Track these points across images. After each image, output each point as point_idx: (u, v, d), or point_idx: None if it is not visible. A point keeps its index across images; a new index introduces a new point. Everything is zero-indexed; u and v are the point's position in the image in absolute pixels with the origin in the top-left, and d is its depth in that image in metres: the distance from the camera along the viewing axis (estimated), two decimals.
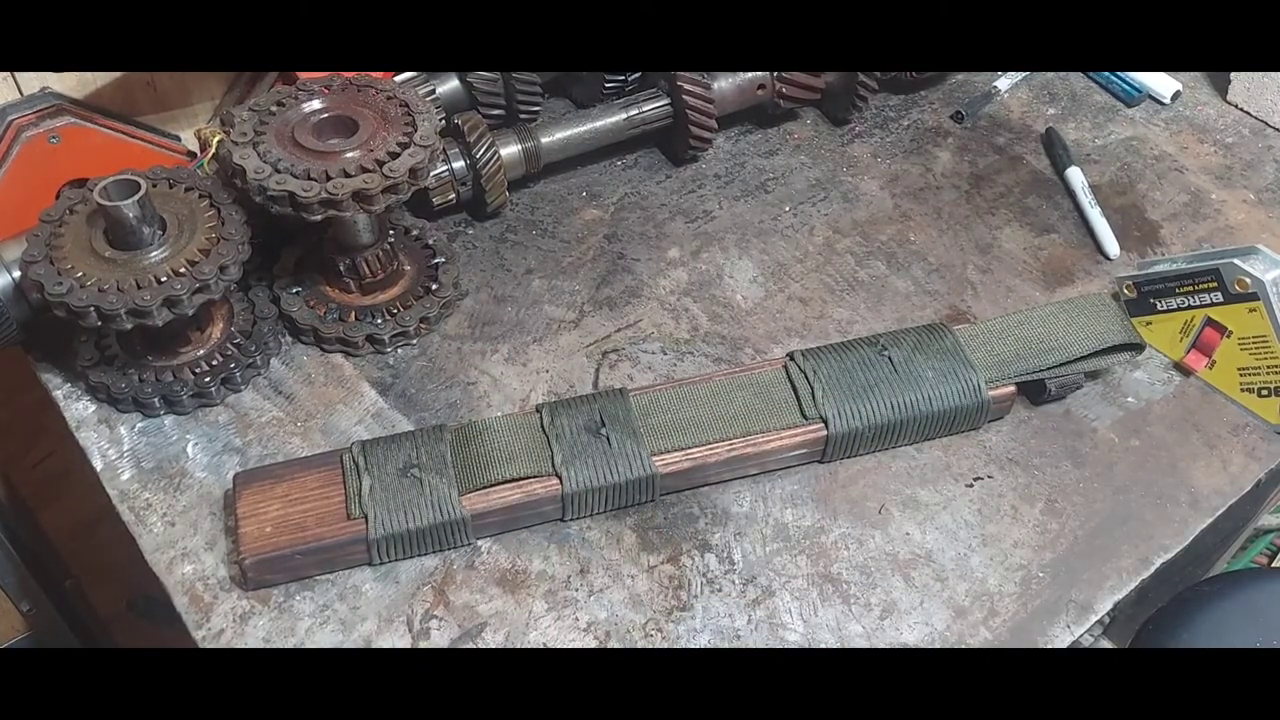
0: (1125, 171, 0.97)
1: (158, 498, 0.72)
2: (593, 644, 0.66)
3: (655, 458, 0.70)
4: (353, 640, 0.65)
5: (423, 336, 0.82)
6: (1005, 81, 1.05)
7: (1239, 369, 0.77)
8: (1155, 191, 0.95)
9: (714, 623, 0.67)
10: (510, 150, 0.88)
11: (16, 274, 0.73)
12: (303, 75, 0.79)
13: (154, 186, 0.74)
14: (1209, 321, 0.77)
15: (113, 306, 0.67)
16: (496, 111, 0.92)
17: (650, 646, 0.66)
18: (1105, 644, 1.40)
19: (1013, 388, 0.75)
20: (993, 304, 0.85)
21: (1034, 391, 0.78)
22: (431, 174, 0.84)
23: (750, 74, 0.94)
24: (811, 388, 0.73)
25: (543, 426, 0.71)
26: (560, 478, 0.68)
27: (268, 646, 0.65)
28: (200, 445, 0.75)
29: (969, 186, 0.95)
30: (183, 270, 0.70)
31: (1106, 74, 1.05)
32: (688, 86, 0.90)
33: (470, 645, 0.65)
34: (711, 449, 0.71)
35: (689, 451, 0.71)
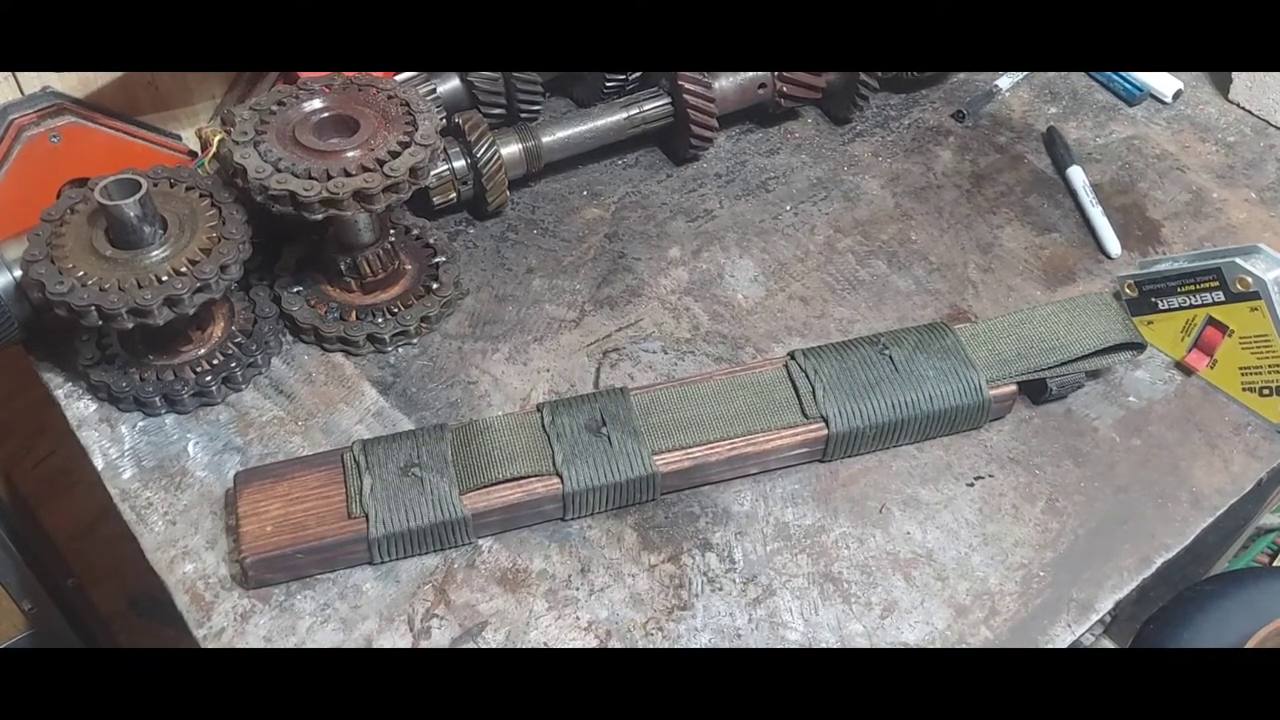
0: (1127, 170, 0.97)
1: (159, 496, 0.72)
2: (593, 643, 0.66)
3: (656, 457, 0.70)
4: (354, 639, 0.65)
5: (423, 336, 0.82)
6: (1006, 80, 1.05)
7: (1240, 368, 0.77)
8: (1157, 190, 0.95)
9: (715, 622, 0.67)
10: (511, 149, 0.88)
11: (18, 273, 0.73)
12: (303, 75, 0.79)
13: (155, 186, 0.74)
14: (1210, 321, 0.77)
15: (114, 305, 0.67)
16: (497, 111, 0.92)
17: (651, 646, 0.66)
18: (1106, 643, 1.40)
19: (1014, 387, 0.75)
20: (994, 303, 0.85)
21: (1035, 391, 0.77)
22: (432, 173, 0.84)
23: (751, 73, 0.94)
24: (812, 387, 0.73)
25: (543, 425, 0.71)
26: (561, 477, 0.68)
27: (269, 646, 0.65)
28: (201, 444, 0.75)
29: (970, 185, 0.95)
30: (184, 269, 0.70)
31: (1108, 73, 1.05)
32: (689, 86, 0.90)
33: (471, 644, 0.65)
34: (712, 448, 0.71)
35: (690, 450, 0.71)
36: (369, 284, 0.81)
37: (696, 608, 0.67)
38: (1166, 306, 0.80)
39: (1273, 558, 1.54)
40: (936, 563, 0.70)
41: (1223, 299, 0.76)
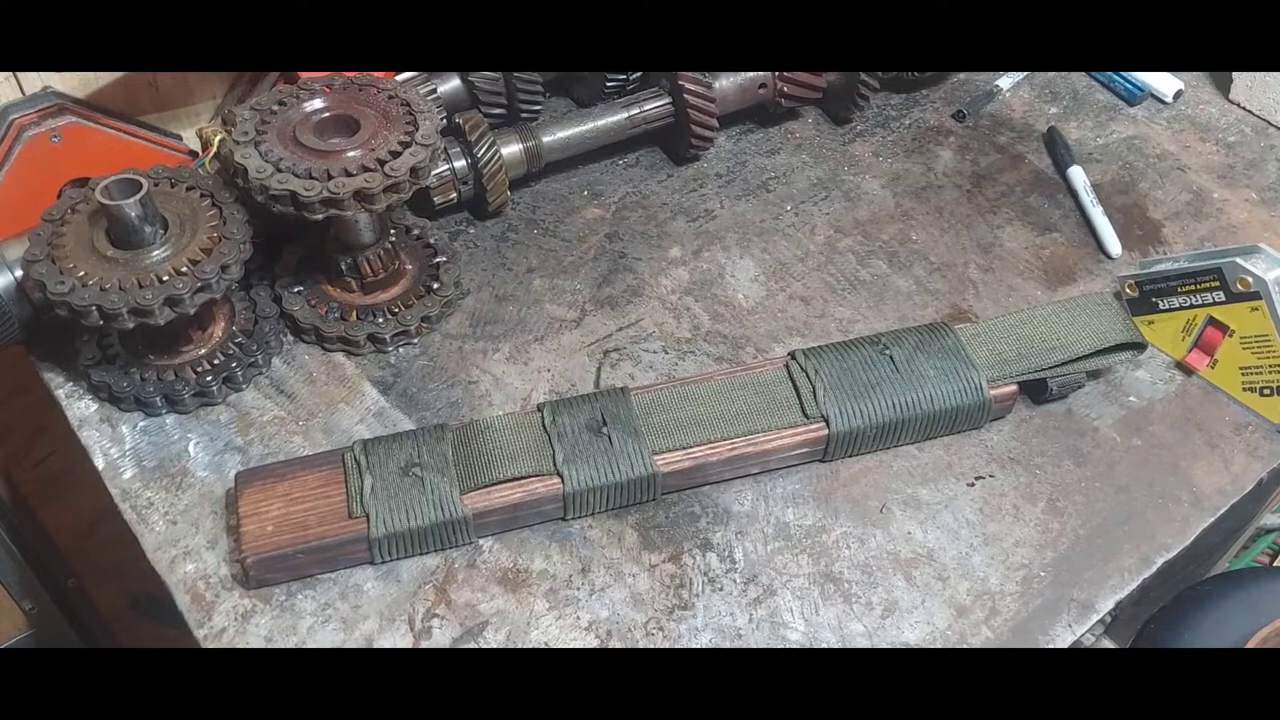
0: (1127, 170, 0.97)
1: (159, 496, 0.72)
2: (594, 643, 0.66)
3: (656, 456, 0.70)
4: (354, 639, 0.65)
5: (424, 335, 0.82)
6: (1007, 80, 1.05)
7: (1241, 368, 0.77)
8: (1157, 190, 0.95)
9: (715, 622, 0.67)
10: (512, 149, 0.88)
11: (19, 273, 0.73)
12: (304, 75, 0.79)
13: (156, 186, 0.74)
14: (1211, 321, 0.77)
15: (115, 305, 0.67)
16: (498, 110, 0.92)
17: (651, 645, 0.66)
18: (1107, 643, 1.40)
19: (1014, 387, 0.75)
20: (994, 303, 0.85)
21: (1036, 391, 0.77)
22: (433, 173, 0.84)
23: (751, 73, 0.94)
24: (813, 387, 0.73)
25: (544, 425, 0.71)
26: (562, 477, 0.68)
27: (269, 645, 0.65)
28: (202, 444, 0.75)
29: (971, 185, 0.95)
30: (184, 269, 0.70)
31: (1108, 73, 1.05)
32: (689, 86, 0.90)
33: (472, 644, 0.65)
34: (713, 448, 0.71)
35: (690, 450, 0.71)
36: (369, 284, 0.81)
37: (697, 607, 0.67)
38: (1167, 306, 0.80)
39: (1273, 558, 1.54)
40: (937, 562, 0.70)
41: (1223, 299, 0.76)
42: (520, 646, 0.65)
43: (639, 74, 0.97)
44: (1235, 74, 1.03)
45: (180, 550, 0.69)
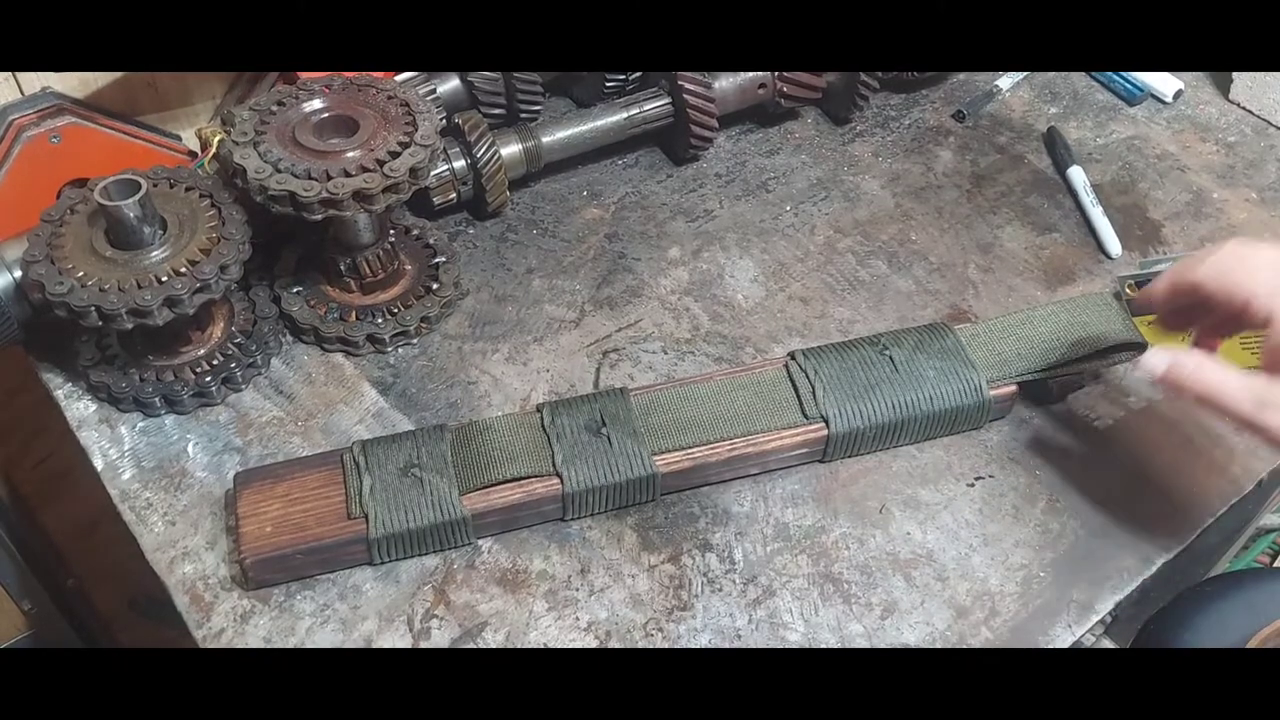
0: (1127, 170, 0.97)
1: (158, 497, 0.72)
2: (593, 644, 0.66)
3: (656, 457, 0.70)
4: (353, 640, 0.65)
5: (423, 336, 0.82)
6: (1007, 80, 1.04)
7: (1241, 369, 0.77)
8: (1157, 190, 0.95)
9: (715, 622, 0.67)
10: (511, 149, 0.88)
11: (17, 273, 0.73)
12: (303, 75, 0.79)
13: (155, 186, 0.74)
14: None
15: (113, 306, 0.67)
16: (497, 111, 0.92)
17: (651, 646, 0.66)
18: (1107, 644, 1.40)
19: (1014, 387, 0.75)
20: (994, 303, 0.85)
21: (1035, 391, 0.77)
22: (432, 173, 0.83)
23: (751, 73, 0.94)
24: (812, 387, 0.73)
25: (543, 426, 0.71)
26: (561, 477, 0.68)
27: (268, 646, 0.65)
28: (201, 445, 0.75)
29: (970, 185, 0.95)
30: (183, 270, 0.70)
31: (1108, 73, 1.05)
32: (689, 86, 0.90)
33: (471, 645, 0.65)
34: (712, 448, 0.71)
35: (690, 451, 0.71)
36: (369, 284, 0.81)
37: (696, 608, 0.67)
38: None
39: (1273, 558, 1.54)
40: (937, 563, 0.70)
41: None
42: (519, 647, 0.65)
43: (638, 74, 0.97)
44: (1235, 74, 1.03)
45: (179, 551, 0.69)
